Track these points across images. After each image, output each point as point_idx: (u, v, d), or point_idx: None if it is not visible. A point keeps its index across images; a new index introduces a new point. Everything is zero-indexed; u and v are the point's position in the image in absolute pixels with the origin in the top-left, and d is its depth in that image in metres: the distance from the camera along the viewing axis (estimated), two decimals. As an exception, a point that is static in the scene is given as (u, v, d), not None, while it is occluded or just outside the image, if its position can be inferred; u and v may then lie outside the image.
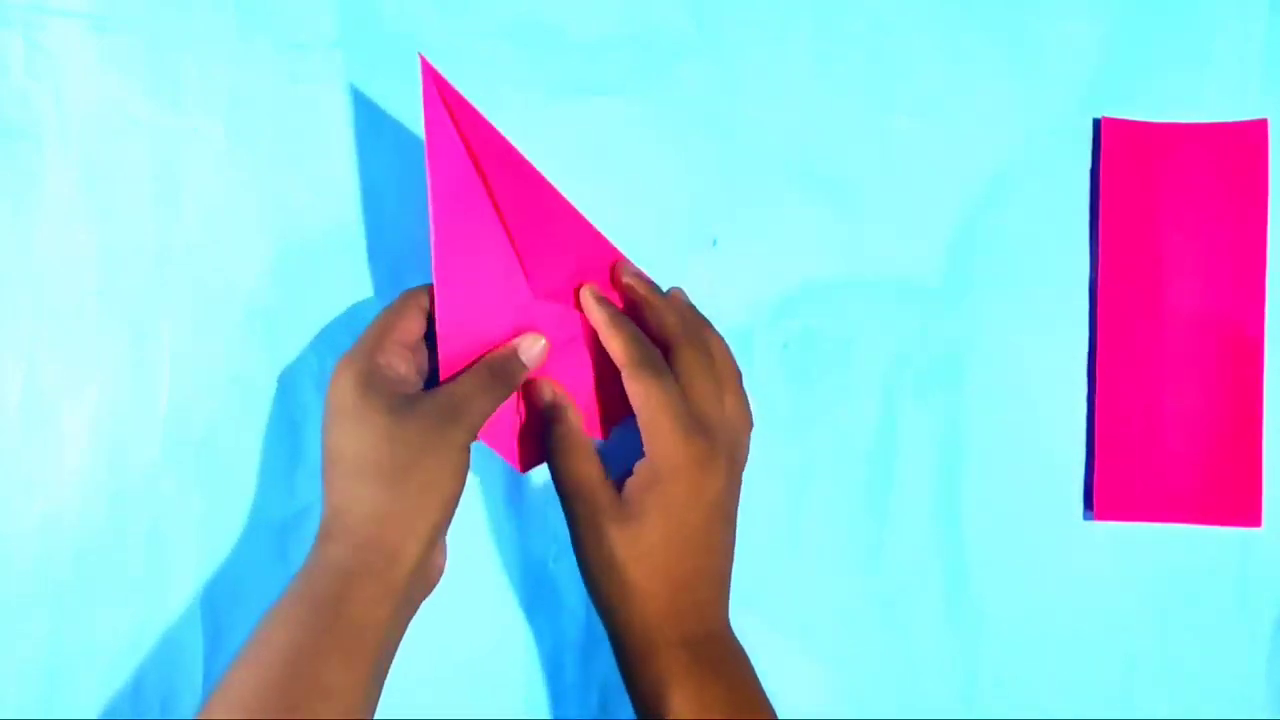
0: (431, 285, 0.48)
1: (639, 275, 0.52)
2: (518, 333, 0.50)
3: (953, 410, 0.56)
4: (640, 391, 0.47)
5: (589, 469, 0.48)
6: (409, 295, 0.49)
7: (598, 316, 0.50)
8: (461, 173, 0.47)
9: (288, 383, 0.54)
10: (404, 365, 0.48)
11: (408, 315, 0.48)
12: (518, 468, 0.51)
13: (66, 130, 0.54)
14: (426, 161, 0.47)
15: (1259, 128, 0.56)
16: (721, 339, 0.51)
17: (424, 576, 0.48)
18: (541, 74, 0.56)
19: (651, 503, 0.47)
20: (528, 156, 0.49)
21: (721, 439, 0.48)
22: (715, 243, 0.56)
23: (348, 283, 0.54)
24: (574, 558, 0.48)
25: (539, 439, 0.50)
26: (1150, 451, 0.55)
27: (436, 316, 0.48)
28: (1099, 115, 0.57)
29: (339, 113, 0.55)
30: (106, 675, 0.53)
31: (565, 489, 0.48)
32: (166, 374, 0.53)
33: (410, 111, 0.55)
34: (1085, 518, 0.56)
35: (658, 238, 0.56)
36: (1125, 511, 0.55)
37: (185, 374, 0.53)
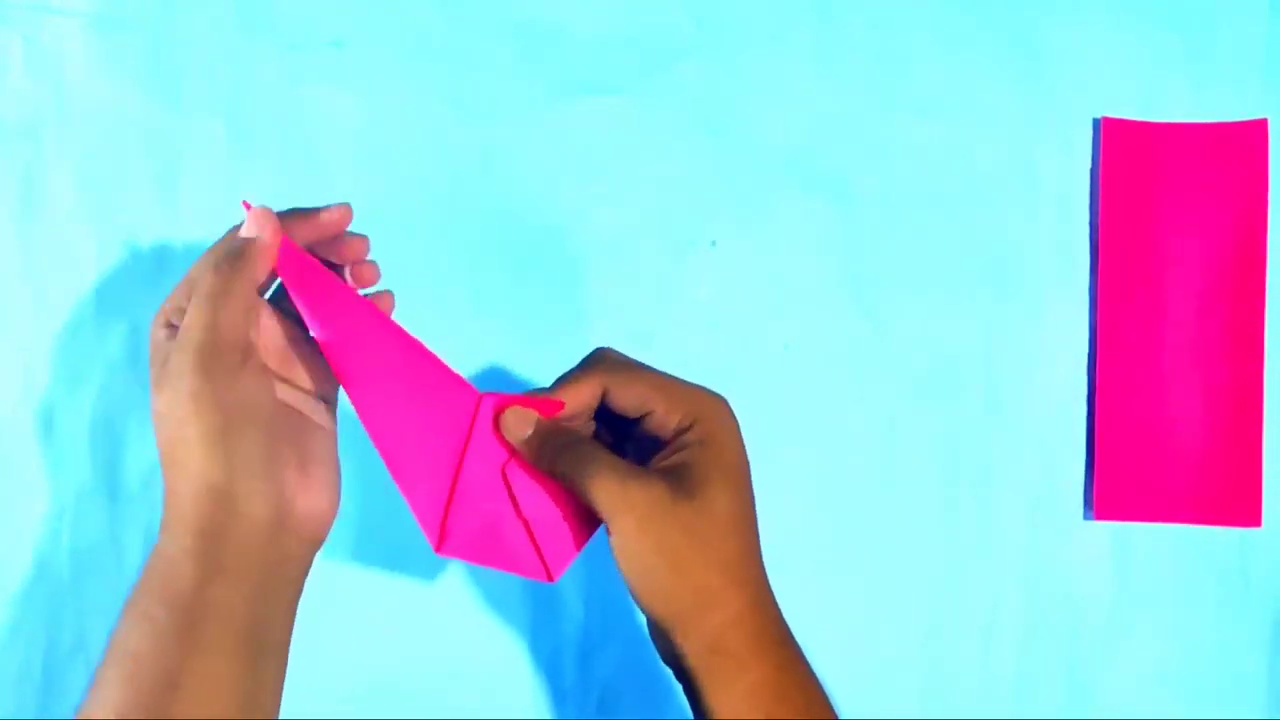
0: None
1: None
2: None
3: (953, 410, 0.56)
4: (640, 384, 0.43)
5: (616, 463, 0.42)
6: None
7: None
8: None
9: (288, 383, 0.53)
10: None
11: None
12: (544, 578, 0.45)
13: (66, 130, 0.54)
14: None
15: (1259, 128, 0.56)
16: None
17: (284, 542, 0.42)
18: (541, 74, 0.56)
19: (709, 470, 0.42)
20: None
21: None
22: (714, 243, 0.56)
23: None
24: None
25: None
26: (1150, 451, 0.55)
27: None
28: (1099, 115, 0.57)
29: (339, 113, 0.55)
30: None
31: (605, 493, 0.41)
32: (166, 374, 0.53)
33: (410, 111, 0.55)
34: (1085, 518, 0.56)
35: (658, 238, 0.56)
36: (1125, 511, 0.55)
37: (185, 374, 0.53)
